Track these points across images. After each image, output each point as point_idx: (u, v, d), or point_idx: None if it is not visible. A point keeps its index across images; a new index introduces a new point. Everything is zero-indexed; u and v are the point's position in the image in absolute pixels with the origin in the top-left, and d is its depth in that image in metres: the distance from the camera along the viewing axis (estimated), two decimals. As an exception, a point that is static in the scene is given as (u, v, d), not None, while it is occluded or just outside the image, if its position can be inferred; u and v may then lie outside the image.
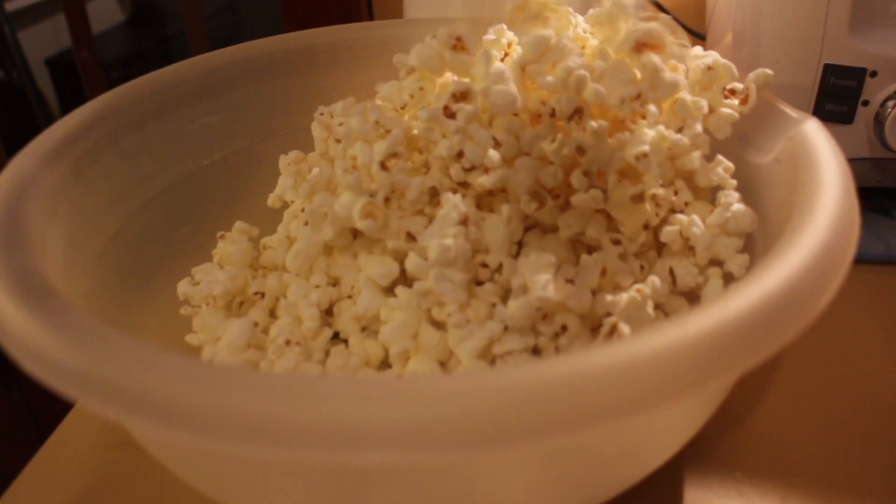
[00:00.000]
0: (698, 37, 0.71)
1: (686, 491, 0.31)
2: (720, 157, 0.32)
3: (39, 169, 0.29)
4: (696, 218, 0.30)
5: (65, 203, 0.30)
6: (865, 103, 0.47)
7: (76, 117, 0.33)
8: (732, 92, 0.33)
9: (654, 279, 0.29)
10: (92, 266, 0.31)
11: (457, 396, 0.17)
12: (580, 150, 0.29)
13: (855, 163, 0.49)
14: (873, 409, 0.35)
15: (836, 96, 0.47)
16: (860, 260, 0.45)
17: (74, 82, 1.23)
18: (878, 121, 0.46)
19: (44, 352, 0.20)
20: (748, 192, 0.31)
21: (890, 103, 0.45)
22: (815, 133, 0.29)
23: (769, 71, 0.32)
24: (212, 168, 0.38)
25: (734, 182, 0.31)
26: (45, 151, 0.30)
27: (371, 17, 0.96)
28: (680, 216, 0.31)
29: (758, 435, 0.34)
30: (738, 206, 0.30)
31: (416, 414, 0.17)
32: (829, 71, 0.46)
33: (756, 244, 0.31)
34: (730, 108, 0.32)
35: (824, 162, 0.27)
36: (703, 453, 0.33)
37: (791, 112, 0.32)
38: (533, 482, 0.23)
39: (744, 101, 0.33)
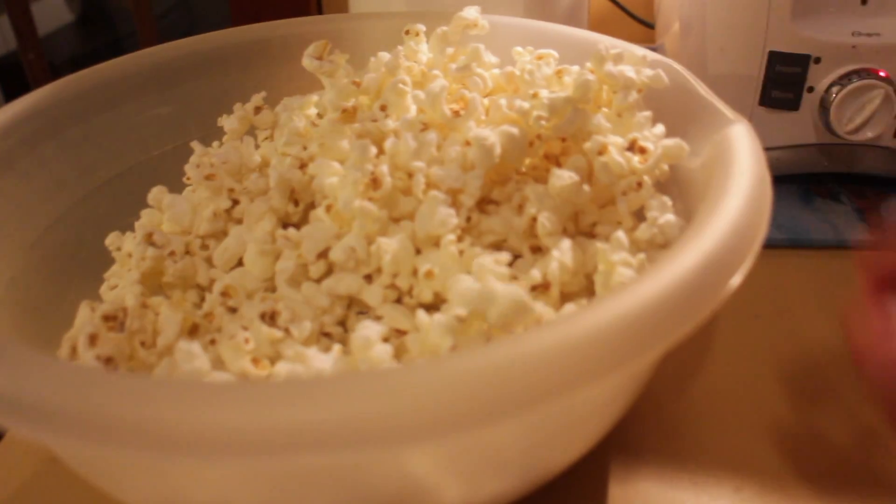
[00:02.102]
0: (647, 25, 0.72)
1: (637, 484, 0.31)
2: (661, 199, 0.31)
3: None
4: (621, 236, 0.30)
5: None
6: (811, 90, 0.48)
7: (11, 109, 0.33)
8: (641, 150, 0.32)
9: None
10: (21, 254, 0.31)
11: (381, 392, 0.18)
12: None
13: (802, 149, 0.50)
14: (824, 395, 0.36)
15: (782, 83, 0.48)
16: (810, 245, 0.46)
17: (23, 85, 1.21)
18: (824, 106, 0.47)
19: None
20: (679, 195, 0.32)
21: (834, 89, 0.46)
22: (740, 136, 0.29)
23: (686, 147, 0.31)
24: (161, 159, 0.37)
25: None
26: None
27: (320, 13, 0.95)
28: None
29: (709, 425, 0.34)
30: (666, 218, 0.30)
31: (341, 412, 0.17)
32: (774, 58, 0.47)
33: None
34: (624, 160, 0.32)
35: (739, 159, 0.27)
36: (653, 446, 0.33)
37: (726, 113, 0.31)
38: (455, 471, 0.23)
39: (643, 161, 0.32)
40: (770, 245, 0.46)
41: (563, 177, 0.30)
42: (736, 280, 0.22)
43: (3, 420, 0.18)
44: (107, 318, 0.29)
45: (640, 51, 0.35)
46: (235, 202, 0.34)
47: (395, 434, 0.17)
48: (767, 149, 0.49)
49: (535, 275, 0.29)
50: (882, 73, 0.46)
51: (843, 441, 0.33)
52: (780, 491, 0.30)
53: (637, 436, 0.33)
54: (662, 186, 0.32)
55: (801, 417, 0.34)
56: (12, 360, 0.19)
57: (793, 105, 0.48)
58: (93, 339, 0.28)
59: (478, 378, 0.18)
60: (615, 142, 0.32)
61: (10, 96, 0.35)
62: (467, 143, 0.31)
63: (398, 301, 0.31)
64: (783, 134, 0.49)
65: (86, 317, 0.31)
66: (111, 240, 0.35)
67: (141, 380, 0.19)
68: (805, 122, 0.49)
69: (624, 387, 0.26)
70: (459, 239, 0.30)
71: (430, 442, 0.18)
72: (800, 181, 0.51)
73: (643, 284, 0.21)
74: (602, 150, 0.31)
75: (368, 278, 0.31)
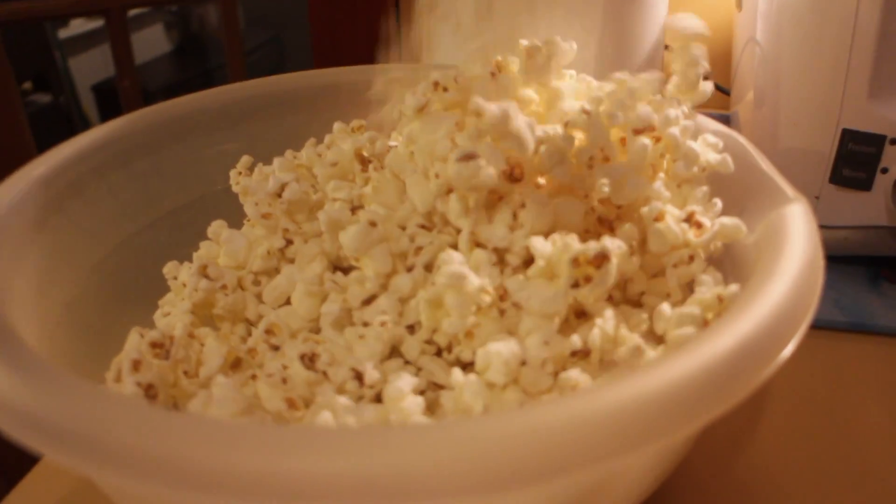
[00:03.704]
0: (723, 92, 0.71)
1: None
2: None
3: (33, 184, 0.31)
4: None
5: (58, 216, 0.31)
6: (885, 170, 0.46)
7: (85, 138, 0.34)
8: (698, 224, 0.32)
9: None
10: (82, 277, 0.32)
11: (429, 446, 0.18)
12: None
13: (872, 230, 0.48)
14: (872, 485, 0.34)
15: (854, 162, 0.46)
16: (873, 330, 0.44)
17: (118, 109, 1.27)
18: (897, 189, 0.46)
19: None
20: (731, 271, 0.31)
21: (909, 172, 0.45)
22: (796, 215, 0.28)
23: (743, 228, 0.31)
24: (226, 194, 0.38)
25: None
26: (48, 167, 0.32)
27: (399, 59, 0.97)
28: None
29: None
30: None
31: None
32: (848, 136, 0.46)
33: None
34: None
35: (792, 239, 0.27)
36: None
37: (786, 190, 0.31)
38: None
39: (698, 235, 0.32)
40: (831, 327, 0.45)
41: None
42: (774, 365, 0.22)
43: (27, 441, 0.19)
44: (154, 345, 0.30)
45: (711, 138, 0.35)
46: (290, 242, 0.35)
47: (404, 492, 0.17)
48: (836, 227, 0.48)
49: (576, 341, 0.28)
50: (962, 159, 0.44)
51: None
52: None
53: (691, 489, 0.32)
54: (715, 262, 0.31)
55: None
56: (43, 383, 0.20)
57: (864, 185, 0.47)
58: (136, 365, 0.28)
59: (498, 444, 0.18)
60: (672, 212, 0.32)
61: (106, 119, 0.37)
62: (522, 206, 0.31)
63: (438, 354, 0.31)
64: (853, 214, 0.48)
65: (134, 342, 0.32)
66: (168, 268, 0.36)
67: (160, 414, 0.19)
68: (877, 203, 0.47)
69: (653, 464, 0.25)
70: (502, 298, 0.30)
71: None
72: (869, 263, 0.50)
73: (680, 360, 0.20)
74: (659, 217, 0.31)
75: (411, 328, 0.31)
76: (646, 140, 0.32)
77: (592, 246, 0.28)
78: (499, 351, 0.28)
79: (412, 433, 0.19)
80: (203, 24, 2.10)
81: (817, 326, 0.44)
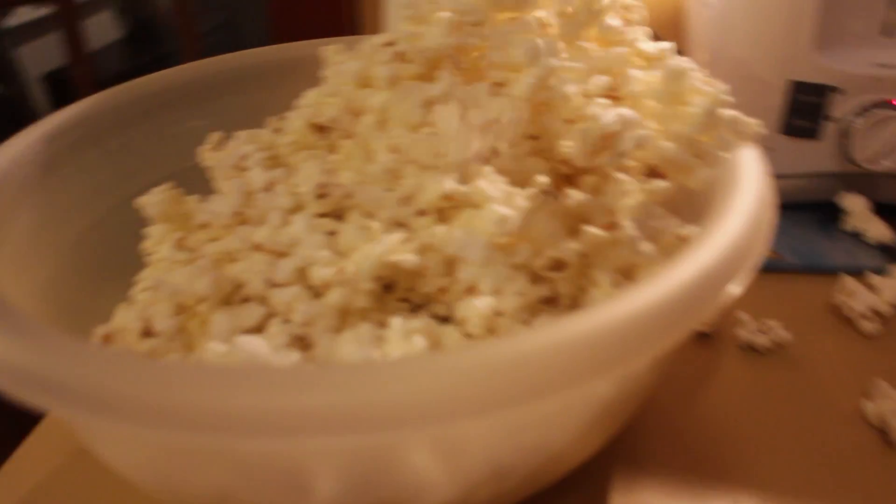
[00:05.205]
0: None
1: (639, 494, 0.32)
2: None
3: (12, 162, 0.32)
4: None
5: (38, 193, 0.32)
6: (832, 119, 0.48)
7: (57, 118, 0.35)
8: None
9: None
10: (64, 252, 0.34)
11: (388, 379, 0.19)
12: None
13: (823, 177, 0.50)
14: (825, 414, 0.36)
15: (803, 112, 0.48)
16: (828, 272, 0.46)
17: (71, 98, 1.26)
18: (844, 136, 0.48)
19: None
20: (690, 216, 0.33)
21: (854, 119, 0.47)
22: (749, 158, 0.30)
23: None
24: (196, 171, 0.39)
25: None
26: (21, 147, 0.33)
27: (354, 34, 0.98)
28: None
29: (713, 439, 0.35)
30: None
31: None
32: (796, 87, 0.48)
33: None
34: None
35: (745, 178, 0.29)
36: (657, 457, 0.34)
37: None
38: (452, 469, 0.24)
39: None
40: (786, 269, 0.47)
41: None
42: (730, 292, 0.23)
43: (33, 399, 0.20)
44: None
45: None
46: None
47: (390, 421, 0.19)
48: (788, 176, 0.50)
49: (545, 289, 0.30)
50: (903, 105, 0.46)
51: (839, 455, 0.34)
52: (776, 500, 0.31)
53: (642, 447, 0.34)
54: (674, 207, 0.33)
55: (799, 432, 0.35)
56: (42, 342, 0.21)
57: (813, 134, 0.49)
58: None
59: (470, 372, 0.19)
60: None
61: (58, 108, 0.37)
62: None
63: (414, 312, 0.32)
64: (804, 162, 0.50)
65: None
66: (146, 245, 0.36)
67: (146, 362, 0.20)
68: (825, 151, 0.49)
69: (622, 393, 0.27)
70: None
71: (423, 430, 0.19)
72: (820, 210, 0.52)
73: (644, 290, 0.22)
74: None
75: (389, 287, 0.32)
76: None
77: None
78: (475, 304, 0.29)
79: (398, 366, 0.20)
80: (154, 9, 2.07)
81: (776, 270, 0.46)
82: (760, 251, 0.25)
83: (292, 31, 1.12)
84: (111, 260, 0.37)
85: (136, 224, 0.37)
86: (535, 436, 0.24)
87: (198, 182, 0.38)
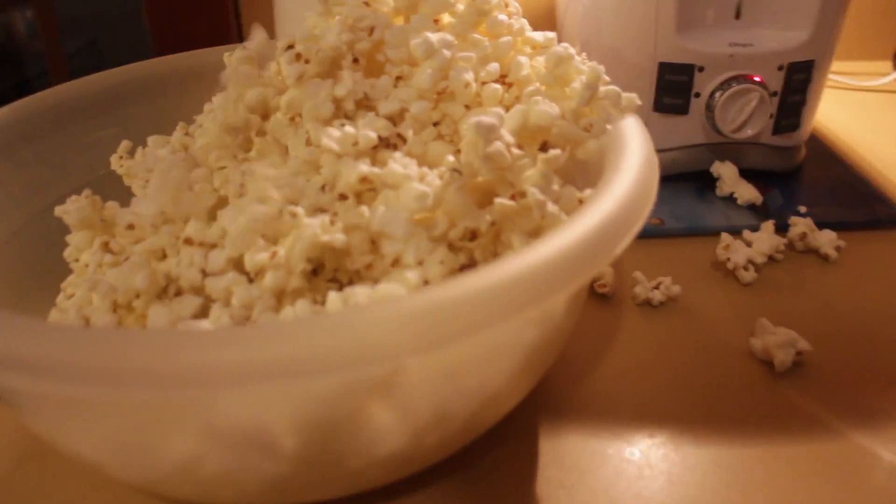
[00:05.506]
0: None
1: (564, 437, 0.35)
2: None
3: None
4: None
5: None
6: (697, 95, 0.53)
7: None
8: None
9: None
10: None
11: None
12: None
13: (694, 149, 0.55)
14: (723, 353, 0.41)
15: (672, 90, 0.53)
16: (708, 233, 0.51)
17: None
18: (709, 109, 0.53)
19: None
20: (583, 181, 0.36)
21: (717, 94, 0.52)
22: (631, 125, 0.34)
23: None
24: (109, 178, 0.40)
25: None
26: None
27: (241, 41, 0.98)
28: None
29: (626, 385, 0.39)
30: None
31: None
32: (664, 68, 0.53)
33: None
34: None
35: (630, 142, 0.32)
36: (577, 406, 0.37)
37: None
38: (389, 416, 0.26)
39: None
40: (671, 234, 0.51)
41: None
42: (625, 242, 0.26)
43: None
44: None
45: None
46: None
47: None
48: (663, 150, 0.55)
49: (462, 257, 0.33)
50: (757, 79, 0.52)
51: (733, 387, 0.38)
52: (689, 433, 0.35)
53: (561, 398, 0.37)
54: (567, 174, 0.36)
55: (697, 371, 0.39)
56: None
57: (683, 109, 0.54)
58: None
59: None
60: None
61: None
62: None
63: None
64: (677, 136, 0.55)
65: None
66: (70, 252, 0.37)
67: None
68: (695, 125, 0.54)
69: (544, 339, 0.30)
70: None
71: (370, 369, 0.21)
72: (696, 179, 0.57)
73: (551, 240, 0.24)
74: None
75: (315, 272, 0.34)
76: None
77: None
78: (407, 276, 0.31)
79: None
80: (10, 33, 1.98)
81: (663, 235, 0.51)
82: (651, 199, 0.28)
83: (175, 42, 1.10)
84: (31, 271, 0.37)
85: (56, 233, 0.37)
86: (472, 380, 0.27)
87: (113, 189, 0.39)
